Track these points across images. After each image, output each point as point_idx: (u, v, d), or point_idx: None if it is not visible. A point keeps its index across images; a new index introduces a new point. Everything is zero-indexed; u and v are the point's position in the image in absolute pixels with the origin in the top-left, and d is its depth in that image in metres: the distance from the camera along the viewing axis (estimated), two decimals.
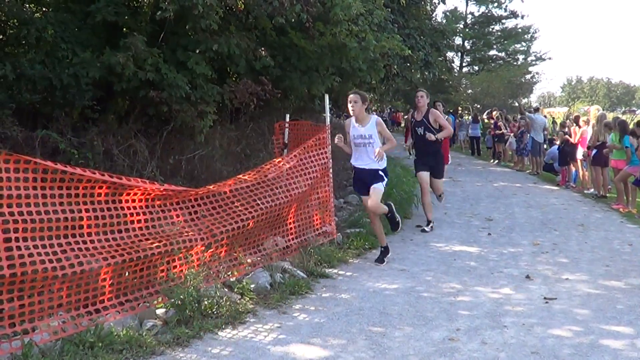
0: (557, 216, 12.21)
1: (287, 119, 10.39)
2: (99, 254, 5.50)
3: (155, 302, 5.96)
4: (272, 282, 6.92)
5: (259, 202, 7.52)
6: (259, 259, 7.51)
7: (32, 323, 4.94)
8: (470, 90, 44.29)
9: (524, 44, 52.54)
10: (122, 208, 6.03)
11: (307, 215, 8.69)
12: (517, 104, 34.31)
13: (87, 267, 5.28)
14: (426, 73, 22.21)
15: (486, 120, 30.16)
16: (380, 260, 8.32)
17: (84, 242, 5.48)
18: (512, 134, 23.05)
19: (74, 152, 8.90)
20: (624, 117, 21.95)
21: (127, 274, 5.81)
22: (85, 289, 5.42)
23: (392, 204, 8.70)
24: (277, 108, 13.91)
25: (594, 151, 14.69)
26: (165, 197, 6.56)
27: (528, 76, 46.31)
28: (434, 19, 28.55)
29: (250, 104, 10.96)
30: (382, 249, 8.53)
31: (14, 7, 9.53)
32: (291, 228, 8.35)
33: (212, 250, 6.80)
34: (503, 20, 51.15)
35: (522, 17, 50.09)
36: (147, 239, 6.12)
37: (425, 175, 10.77)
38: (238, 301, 6.28)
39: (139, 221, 6.18)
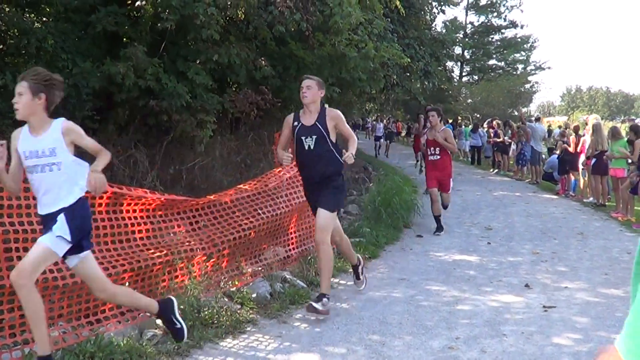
0: (557, 225, 12.23)
1: None
2: (100, 264, 5.50)
3: None
4: (272, 291, 6.92)
5: (259, 211, 7.54)
6: (259, 268, 7.52)
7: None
8: (469, 100, 44.47)
9: (523, 53, 52.77)
10: (123, 218, 6.06)
11: (307, 225, 8.71)
12: (516, 113, 34.40)
13: None
14: (426, 83, 22.31)
15: (486, 129, 30.22)
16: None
17: None
18: (512, 141, 23.08)
19: None
20: (622, 126, 22.01)
21: (127, 284, 5.82)
22: (86, 299, 5.43)
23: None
24: (277, 118, 13.94)
25: (593, 160, 14.72)
26: (166, 207, 6.59)
27: (527, 85, 46.60)
28: (433, 28, 28.69)
29: (250, 114, 11.00)
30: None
31: (14, 17, 9.57)
32: (292, 238, 8.37)
33: (213, 260, 6.82)
34: (502, 30, 51.38)
35: (522, 26, 50.34)
36: (148, 249, 6.15)
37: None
38: (238, 311, 6.29)
39: (140, 231, 6.21)
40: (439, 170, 11.31)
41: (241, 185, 7.89)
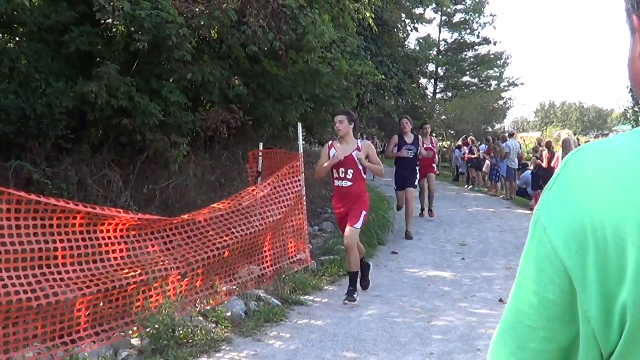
0: None
1: (261, 147, 10.45)
2: (74, 284, 5.51)
3: (131, 331, 5.97)
4: (247, 310, 6.95)
5: (233, 230, 7.56)
6: (234, 287, 7.53)
7: (7, 354, 4.92)
8: (443, 117, 44.69)
9: (496, 69, 53.10)
10: (97, 238, 6.04)
11: (281, 243, 8.73)
12: (490, 129, 34.66)
13: (62, 297, 5.29)
14: (399, 100, 22.47)
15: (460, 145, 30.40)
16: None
17: (59, 273, 5.49)
18: (487, 157, 23.26)
19: (48, 182, 8.88)
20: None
21: (102, 303, 5.82)
22: (61, 319, 5.42)
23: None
24: (251, 137, 13.96)
25: None
26: (140, 226, 6.59)
27: (501, 102, 46.89)
28: (407, 46, 28.87)
29: (222, 132, 11.02)
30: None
31: None
32: (266, 256, 8.38)
33: (187, 279, 6.83)
34: (476, 47, 51.70)
35: (495, 43, 50.55)
36: (122, 269, 6.14)
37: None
38: (213, 329, 6.30)
39: (114, 251, 6.20)
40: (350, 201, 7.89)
41: (215, 204, 7.90)
